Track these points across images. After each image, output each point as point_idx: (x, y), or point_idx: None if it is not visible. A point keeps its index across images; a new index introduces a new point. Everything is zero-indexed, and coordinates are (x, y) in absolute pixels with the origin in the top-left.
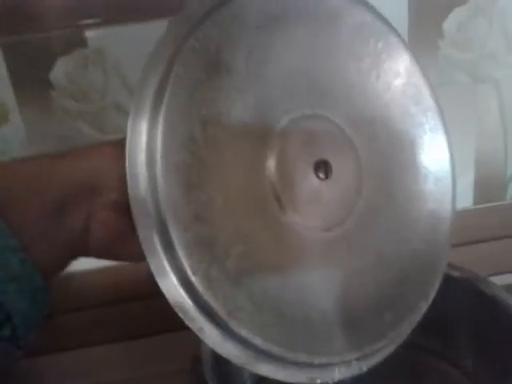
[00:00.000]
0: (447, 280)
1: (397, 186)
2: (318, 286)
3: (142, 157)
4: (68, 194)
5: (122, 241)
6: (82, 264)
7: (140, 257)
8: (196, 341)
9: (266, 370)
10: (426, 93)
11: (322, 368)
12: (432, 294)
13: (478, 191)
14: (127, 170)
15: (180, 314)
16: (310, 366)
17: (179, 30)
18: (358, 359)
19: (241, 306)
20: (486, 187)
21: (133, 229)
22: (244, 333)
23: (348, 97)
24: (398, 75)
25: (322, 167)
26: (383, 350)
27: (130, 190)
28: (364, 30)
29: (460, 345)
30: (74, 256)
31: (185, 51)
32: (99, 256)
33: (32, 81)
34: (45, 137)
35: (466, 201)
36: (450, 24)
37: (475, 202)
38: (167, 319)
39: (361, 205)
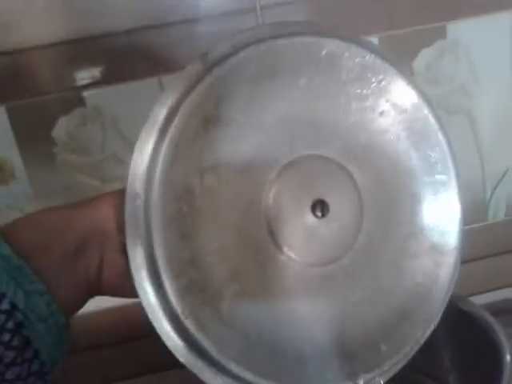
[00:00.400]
0: None
1: (399, 219)
2: (313, 319)
3: (140, 204)
4: (83, 239)
5: (129, 279)
6: (93, 304)
7: None
8: None
9: None
10: (434, 127)
11: None
12: (431, 327)
13: None
14: (125, 218)
15: (172, 351)
16: None
17: (180, 85)
18: None
19: (232, 344)
20: (467, 210)
21: None
22: (234, 368)
23: (351, 135)
24: (404, 111)
25: (319, 206)
26: (376, 379)
27: (127, 236)
28: (364, 70)
29: (443, 361)
30: (91, 295)
31: (185, 105)
32: (110, 294)
33: (35, 139)
34: (49, 190)
35: None
36: (418, 64)
37: None
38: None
39: (360, 239)
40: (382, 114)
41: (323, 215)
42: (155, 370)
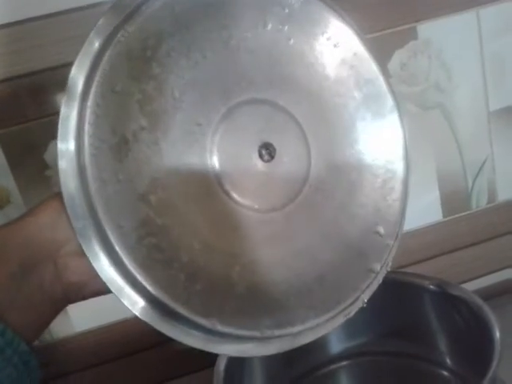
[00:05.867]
0: (420, 290)
1: (344, 151)
2: (272, 262)
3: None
4: (27, 255)
5: (95, 277)
6: (91, 323)
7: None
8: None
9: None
10: (379, 79)
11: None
12: (386, 261)
13: (445, 205)
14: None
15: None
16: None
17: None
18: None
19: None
20: (452, 201)
21: None
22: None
23: (295, 81)
24: (337, 45)
25: (266, 149)
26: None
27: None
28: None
29: (440, 346)
30: (56, 309)
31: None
32: (81, 298)
33: (28, 163)
34: None
35: (436, 215)
36: (393, 64)
37: (444, 215)
38: (178, 365)
39: (308, 185)
40: (319, 50)
41: (272, 158)
42: (172, 377)
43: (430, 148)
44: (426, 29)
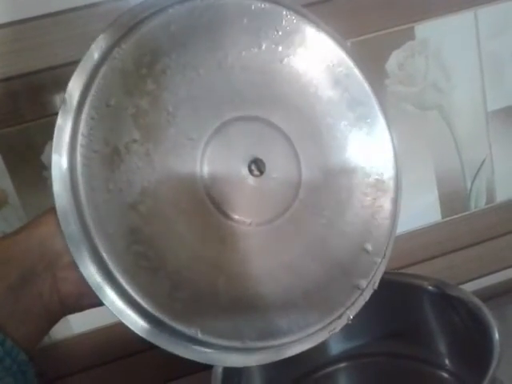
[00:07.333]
0: (419, 290)
1: (333, 161)
2: (263, 274)
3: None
4: (29, 265)
5: (90, 289)
6: (89, 324)
7: None
8: None
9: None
10: (371, 100)
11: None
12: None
13: (444, 206)
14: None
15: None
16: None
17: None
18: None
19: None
20: (451, 201)
21: None
22: (199, 336)
23: (287, 100)
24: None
25: (255, 164)
26: (296, 344)
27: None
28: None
29: (439, 348)
30: (53, 320)
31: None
32: (76, 310)
33: (26, 165)
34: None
35: (435, 216)
36: (391, 65)
37: (443, 216)
38: (176, 366)
39: (298, 200)
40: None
41: (261, 172)
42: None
43: (428, 149)
44: (424, 29)
